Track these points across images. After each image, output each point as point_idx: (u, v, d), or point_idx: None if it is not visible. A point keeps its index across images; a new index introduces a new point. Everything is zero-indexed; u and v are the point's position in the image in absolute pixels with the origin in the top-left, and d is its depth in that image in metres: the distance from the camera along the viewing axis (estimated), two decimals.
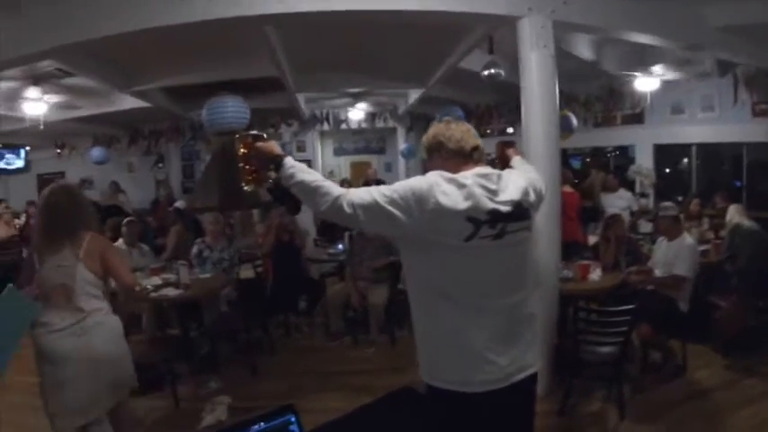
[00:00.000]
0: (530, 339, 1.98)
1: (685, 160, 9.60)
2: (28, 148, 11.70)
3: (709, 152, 9.24)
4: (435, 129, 2.07)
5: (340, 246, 6.87)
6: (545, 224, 3.97)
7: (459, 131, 2.02)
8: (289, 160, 1.94)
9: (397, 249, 5.56)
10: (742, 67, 7.41)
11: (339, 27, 5.28)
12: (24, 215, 8.90)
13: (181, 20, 4.01)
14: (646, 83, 7.50)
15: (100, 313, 2.93)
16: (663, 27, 4.95)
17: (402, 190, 1.81)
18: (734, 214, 5.98)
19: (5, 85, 6.47)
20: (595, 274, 4.62)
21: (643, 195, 8.92)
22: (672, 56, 6.77)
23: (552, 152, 4.22)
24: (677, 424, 3.74)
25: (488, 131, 10.56)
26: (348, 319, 5.96)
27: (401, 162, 12.41)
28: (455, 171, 1.90)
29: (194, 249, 5.76)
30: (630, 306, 3.69)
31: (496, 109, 10.72)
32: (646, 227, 7.40)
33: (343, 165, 13.48)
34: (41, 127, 7.19)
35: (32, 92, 6.61)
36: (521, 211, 1.91)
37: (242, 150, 2.06)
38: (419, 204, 1.77)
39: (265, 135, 2.10)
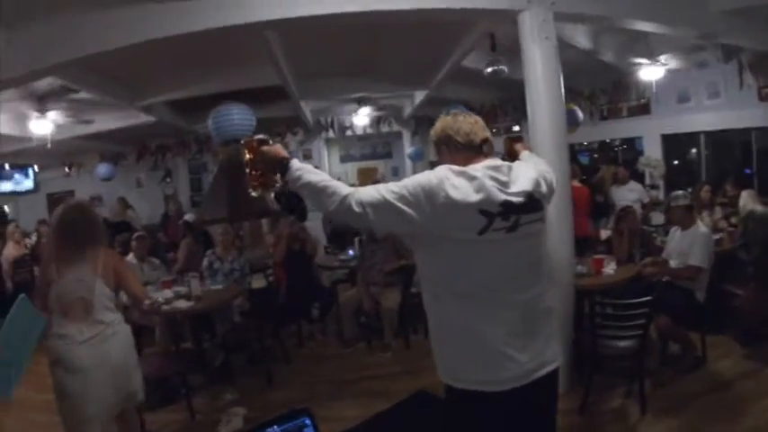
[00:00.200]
0: (549, 334, 1.94)
1: (694, 150, 9.52)
2: (36, 167, 11.77)
3: (717, 141, 9.14)
4: (443, 122, 2.03)
5: (351, 252, 6.84)
6: (557, 219, 3.93)
7: (468, 124, 1.98)
8: (295, 162, 1.91)
9: (408, 252, 5.53)
10: (746, 52, 7.33)
11: (339, 31, 5.28)
12: (35, 234, 8.92)
13: (182, 30, 4.01)
14: (650, 72, 7.44)
15: (115, 324, 3.06)
16: (665, 14, 4.90)
17: (411, 186, 1.77)
18: (747, 200, 5.91)
19: (11, 104, 6.50)
20: (610, 268, 4.57)
21: (653, 187, 8.84)
22: (675, 43, 6.71)
23: (560, 145, 4.17)
24: (700, 417, 3.67)
25: (494, 130, 10.49)
26: (361, 324, 5.93)
27: (408, 166, 12.39)
28: (465, 165, 1.86)
29: (205, 261, 5.77)
30: (648, 298, 3.63)
31: (501, 107, 10.68)
32: (658, 218, 7.33)
33: (351, 171, 13.48)
34: (48, 146, 7.20)
35: (38, 110, 6.63)
36: (533, 203, 1.87)
37: (248, 155, 2.05)
38: (429, 199, 1.74)
39: (271, 141, 2.07)
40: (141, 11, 4.01)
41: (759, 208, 5.60)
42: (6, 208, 11.86)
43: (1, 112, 6.69)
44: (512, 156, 2.41)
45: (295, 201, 8.57)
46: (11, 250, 7.78)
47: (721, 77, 8.03)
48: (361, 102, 9.81)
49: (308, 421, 1.38)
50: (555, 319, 2.03)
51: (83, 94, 6.50)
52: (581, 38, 6.65)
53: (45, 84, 5.92)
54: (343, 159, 13.75)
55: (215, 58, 5.80)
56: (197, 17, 4.00)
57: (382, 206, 1.76)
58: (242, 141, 2.12)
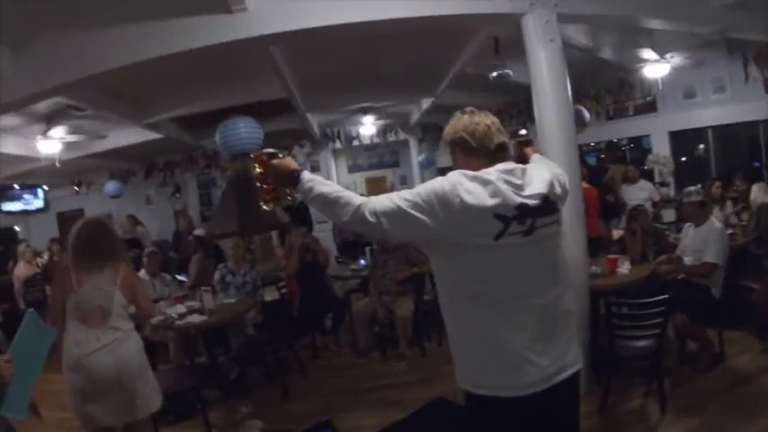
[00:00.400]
0: (569, 337, 1.92)
1: (701, 146, 9.46)
2: (46, 187, 11.85)
3: (725, 136, 9.09)
4: (458, 121, 1.98)
5: (362, 261, 6.84)
6: (569, 220, 3.88)
7: (484, 126, 1.92)
8: (306, 174, 1.90)
9: (420, 260, 5.52)
10: (750, 45, 7.28)
11: (343, 42, 5.28)
12: (47, 253, 8.97)
13: (184, 47, 4.04)
14: (655, 69, 7.40)
15: (129, 331, 3.21)
16: (667, 10, 4.87)
17: (425, 192, 1.75)
18: (758, 194, 5.86)
19: (18, 124, 6.56)
20: (624, 268, 4.54)
21: (663, 184, 8.79)
22: (679, 39, 6.67)
23: (569, 147, 4.15)
24: (720, 414, 3.62)
25: None
26: (375, 334, 5.91)
27: (416, 174, 12.36)
28: (478, 169, 1.83)
29: (217, 275, 5.77)
30: (664, 296, 3.59)
31: (506, 111, 10.64)
32: (669, 216, 7.29)
33: (359, 181, 13.45)
34: (57, 165, 7.25)
35: (46, 130, 6.68)
36: (549, 205, 1.85)
37: (258, 169, 2.04)
38: (443, 206, 1.72)
39: (280, 154, 2.06)
40: (143, 29, 4.05)
41: None
42: (17, 228, 11.92)
43: (8, 134, 6.76)
44: (522, 159, 2.38)
45: (303, 211, 8.61)
46: (22, 269, 7.84)
47: (726, 72, 8.00)
48: (368, 111, 9.81)
49: None
50: (575, 321, 2.00)
51: (89, 114, 6.56)
52: (583, 38, 6.63)
53: (51, 104, 5.97)
54: (351, 170, 13.74)
55: (220, 73, 5.82)
56: (198, 34, 4.03)
57: (396, 215, 1.74)
58: (251, 156, 2.11)
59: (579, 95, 8.80)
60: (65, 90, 4.78)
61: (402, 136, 12.22)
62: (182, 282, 6.61)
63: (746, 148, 9.03)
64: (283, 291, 5.95)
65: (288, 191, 2.00)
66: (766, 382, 3.97)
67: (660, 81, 7.56)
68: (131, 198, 11.80)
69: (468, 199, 1.72)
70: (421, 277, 5.87)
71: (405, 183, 12.96)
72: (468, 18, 4.34)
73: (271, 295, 5.93)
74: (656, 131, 9.24)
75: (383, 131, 12.01)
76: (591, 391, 3.92)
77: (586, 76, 8.39)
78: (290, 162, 1.97)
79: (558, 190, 1.93)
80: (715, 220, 4.65)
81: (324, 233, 9.96)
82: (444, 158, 11.06)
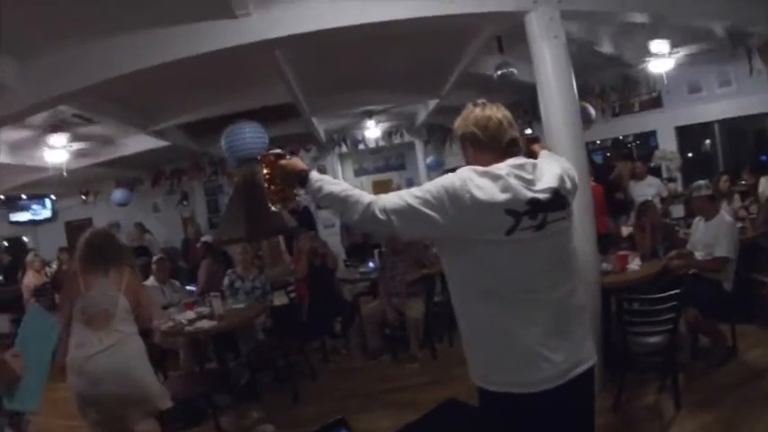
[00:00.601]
0: (582, 332, 1.90)
1: (708, 141, 9.42)
2: (53, 197, 11.90)
3: (731, 131, 9.06)
4: (470, 114, 1.95)
5: (371, 264, 6.84)
6: (579, 217, 3.85)
7: (496, 121, 1.90)
8: (314, 174, 1.90)
9: (430, 261, 5.50)
10: (754, 36, 7.24)
11: (346, 45, 5.28)
12: (56, 262, 9.01)
13: (188, 53, 4.08)
14: (659, 64, 7.37)
15: (132, 334, 3.32)
16: (669, 4, 4.86)
17: (434, 189, 1.74)
18: (766, 187, 5.82)
19: (26, 134, 6.58)
20: (634, 264, 4.51)
21: (671, 180, 8.76)
22: (682, 33, 6.65)
23: (577, 144, 4.13)
24: (735, 409, 3.59)
25: None
26: (386, 336, 5.89)
27: (422, 176, 12.31)
28: (488, 164, 1.82)
29: (226, 280, 5.78)
30: (676, 291, 3.56)
31: (511, 111, 10.58)
32: (678, 211, 7.25)
33: (366, 184, 13.42)
34: (65, 174, 7.28)
35: (53, 140, 6.71)
36: (559, 200, 1.83)
37: (266, 170, 2.03)
38: (453, 202, 1.71)
39: (288, 155, 2.06)
40: (147, 36, 4.07)
41: None
42: (25, 238, 11.99)
43: (15, 143, 6.80)
44: (530, 157, 2.37)
45: (307, 216, 8.62)
46: (31, 279, 7.90)
47: (731, 65, 7.97)
48: (373, 114, 9.81)
49: None
50: (588, 316, 1.99)
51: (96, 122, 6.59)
52: (587, 35, 6.61)
53: (58, 113, 5.99)
54: (358, 173, 13.75)
55: (225, 79, 5.83)
56: (202, 39, 4.05)
57: (406, 212, 1.73)
58: (259, 157, 2.10)
59: (584, 93, 8.77)
60: (71, 99, 4.80)
61: (407, 138, 12.19)
62: (192, 291, 6.61)
63: (753, 142, 8.99)
64: (292, 295, 5.95)
65: (295, 191, 2.00)
66: None
67: (665, 76, 7.53)
68: (139, 206, 11.82)
69: (479, 194, 1.70)
70: (431, 278, 5.85)
71: (411, 185, 12.83)
72: (472, 17, 4.32)
73: (280, 300, 5.92)
74: (663, 127, 9.22)
75: (389, 134, 12.00)
76: (605, 389, 3.89)
77: (590, 73, 8.37)
78: (297, 162, 1.97)
79: (569, 184, 1.91)
80: (725, 214, 4.62)
81: (332, 237, 9.96)
82: (452, 160, 11.03)
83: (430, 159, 11.87)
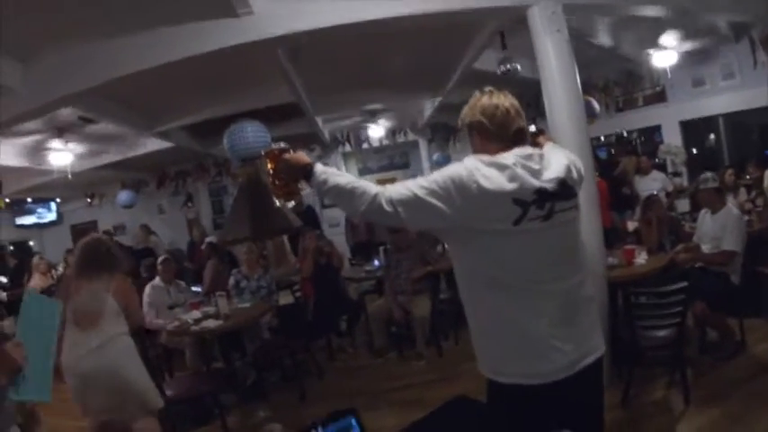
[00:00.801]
0: (591, 323, 1.89)
1: (712, 136, 9.37)
2: (59, 200, 11.93)
3: (736, 125, 9.01)
4: (477, 102, 1.92)
5: (376, 262, 6.83)
6: (585, 210, 3.83)
7: (503, 110, 1.87)
8: (319, 167, 1.88)
9: (435, 259, 5.47)
10: (757, 29, 7.20)
11: (349, 43, 5.27)
12: (63, 264, 9.03)
13: (193, 52, 4.05)
14: (663, 58, 7.34)
15: (121, 334, 3.47)
16: None
17: (441, 179, 1.73)
18: None
19: (30, 137, 6.59)
20: (641, 258, 4.50)
21: (676, 174, 8.71)
22: (685, 25, 6.62)
23: (581, 138, 4.10)
24: (744, 404, 3.56)
25: None
26: (392, 334, 5.88)
27: (426, 174, 12.31)
28: (495, 154, 1.81)
29: (231, 280, 5.79)
30: (683, 284, 3.54)
31: None
32: (683, 206, 7.22)
33: None
34: (69, 177, 7.29)
35: (57, 143, 6.72)
36: (567, 189, 1.82)
37: (270, 166, 2.02)
38: (460, 192, 1.70)
39: (291, 150, 2.04)
40: (150, 36, 4.06)
41: None
42: (31, 242, 12.01)
43: (20, 146, 6.81)
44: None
45: (311, 215, 8.61)
46: (37, 281, 7.90)
47: (734, 58, 7.93)
48: (376, 114, 9.79)
49: (353, 421, 1.34)
50: (596, 307, 1.97)
51: (99, 126, 6.59)
52: (589, 29, 6.59)
53: (63, 115, 6.00)
54: (362, 172, 13.72)
55: (228, 79, 5.82)
56: (205, 38, 4.03)
57: (413, 203, 1.72)
58: (263, 152, 2.09)
59: (587, 88, 8.74)
60: (75, 100, 4.80)
61: (411, 137, 12.18)
62: (197, 292, 6.61)
63: (758, 136, 8.95)
64: (298, 294, 5.95)
65: (300, 186, 1.98)
66: None
67: (669, 70, 7.49)
68: (144, 208, 11.82)
69: (486, 184, 1.69)
70: (436, 276, 5.84)
71: None
72: (475, 12, 4.30)
73: (285, 299, 5.93)
74: (667, 121, 9.17)
75: (392, 133, 11.99)
76: (613, 384, 3.86)
77: (593, 68, 8.32)
78: (302, 156, 1.96)
79: (575, 175, 1.90)
80: (732, 207, 4.59)
81: (337, 236, 9.95)
82: (458, 157, 10.98)
83: (437, 156, 11.84)
